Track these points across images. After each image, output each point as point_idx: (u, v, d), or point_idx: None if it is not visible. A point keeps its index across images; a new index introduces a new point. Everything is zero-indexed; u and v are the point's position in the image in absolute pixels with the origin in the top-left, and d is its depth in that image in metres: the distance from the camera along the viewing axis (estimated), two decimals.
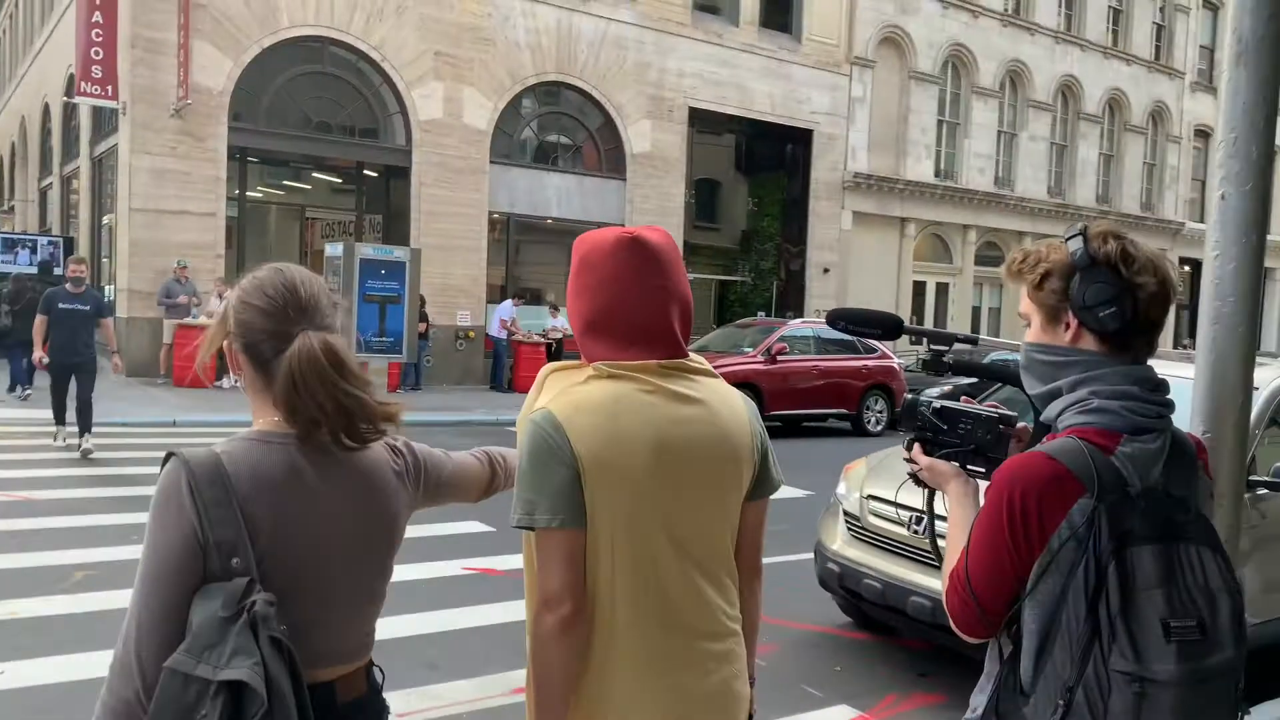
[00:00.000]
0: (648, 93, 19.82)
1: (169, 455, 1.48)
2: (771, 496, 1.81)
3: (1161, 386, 1.53)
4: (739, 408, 1.77)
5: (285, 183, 19.15)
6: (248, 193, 17.04)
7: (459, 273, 17.80)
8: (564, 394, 1.65)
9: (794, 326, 14.85)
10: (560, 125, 19.55)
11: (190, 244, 15.21)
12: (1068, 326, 1.55)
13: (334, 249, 13.43)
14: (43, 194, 23.93)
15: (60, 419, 9.19)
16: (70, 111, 20.08)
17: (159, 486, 1.45)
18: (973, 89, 25.42)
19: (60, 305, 8.71)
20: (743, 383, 13.40)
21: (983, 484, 1.61)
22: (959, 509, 1.66)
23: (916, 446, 1.78)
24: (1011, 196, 26.27)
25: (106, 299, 18.31)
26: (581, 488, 1.58)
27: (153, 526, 1.44)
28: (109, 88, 14.89)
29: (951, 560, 1.58)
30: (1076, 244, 1.53)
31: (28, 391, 12.73)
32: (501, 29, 17.99)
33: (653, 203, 20.11)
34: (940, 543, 1.76)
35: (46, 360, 8.82)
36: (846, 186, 23.15)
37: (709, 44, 20.59)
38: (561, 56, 18.76)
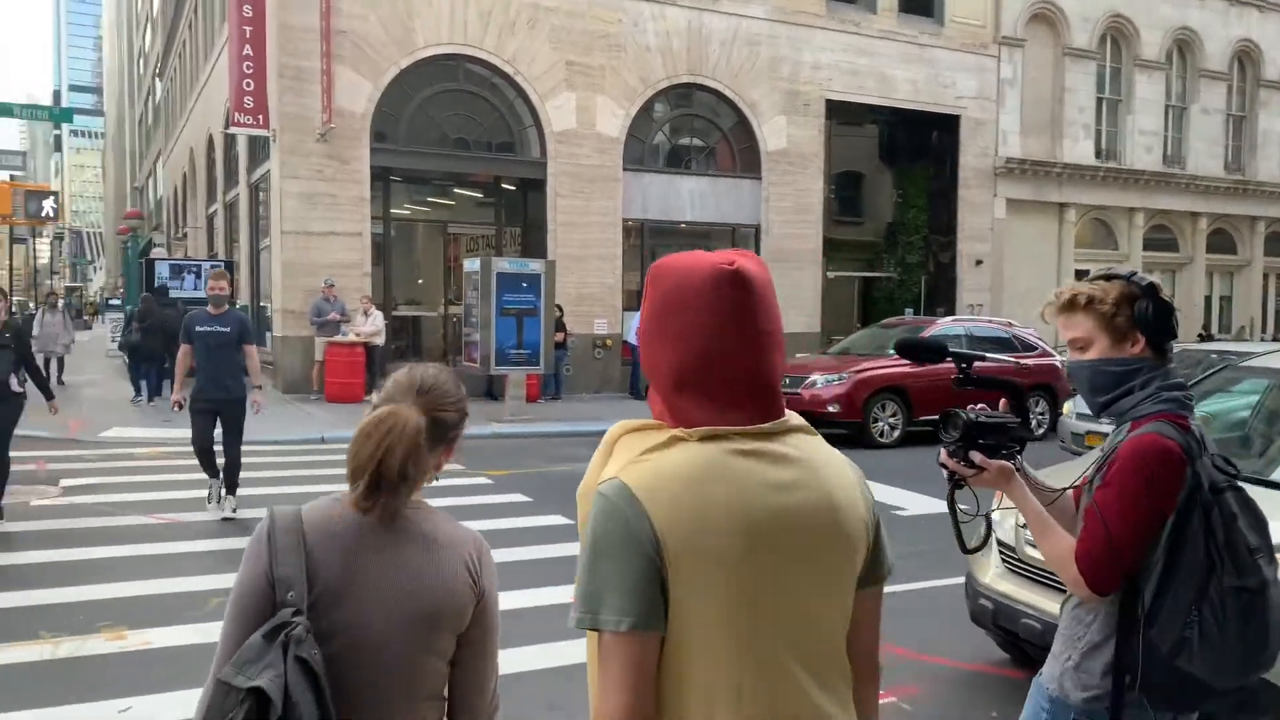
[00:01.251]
0: (782, 88, 19.32)
1: (270, 510, 1.74)
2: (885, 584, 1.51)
3: (1183, 386, 2.02)
4: (847, 474, 1.46)
5: (427, 199, 19.62)
6: (392, 211, 17.52)
7: (595, 281, 17.79)
8: (640, 460, 1.37)
9: (944, 324, 14.07)
10: (692, 127, 19.29)
11: (338, 263, 15.73)
12: (1134, 343, 2.00)
13: (471, 264, 13.58)
14: (209, 221, 25.42)
15: (212, 470, 7.55)
16: (230, 141, 21.21)
17: (253, 533, 1.70)
18: (1135, 61, 23.68)
19: (198, 328, 7.33)
20: (887, 387, 12.79)
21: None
22: (1033, 501, 2.06)
23: (978, 455, 2.01)
24: (1182, 175, 24.34)
25: (253, 319, 19.26)
26: (664, 579, 1.30)
27: (242, 565, 1.70)
28: (260, 117, 15.56)
29: (1064, 544, 1.98)
30: (1143, 279, 2.00)
31: (150, 402, 14.83)
32: (632, 34, 17.88)
33: (790, 200, 19.59)
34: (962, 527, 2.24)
35: (183, 403, 7.55)
36: (998, 173, 21.96)
37: (845, 34, 19.91)
38: (693, 57, 18.50)
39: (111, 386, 17.43)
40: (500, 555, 5.26)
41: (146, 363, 15.33)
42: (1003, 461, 2.02)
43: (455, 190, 19.42)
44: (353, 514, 1.69)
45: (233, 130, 16.18)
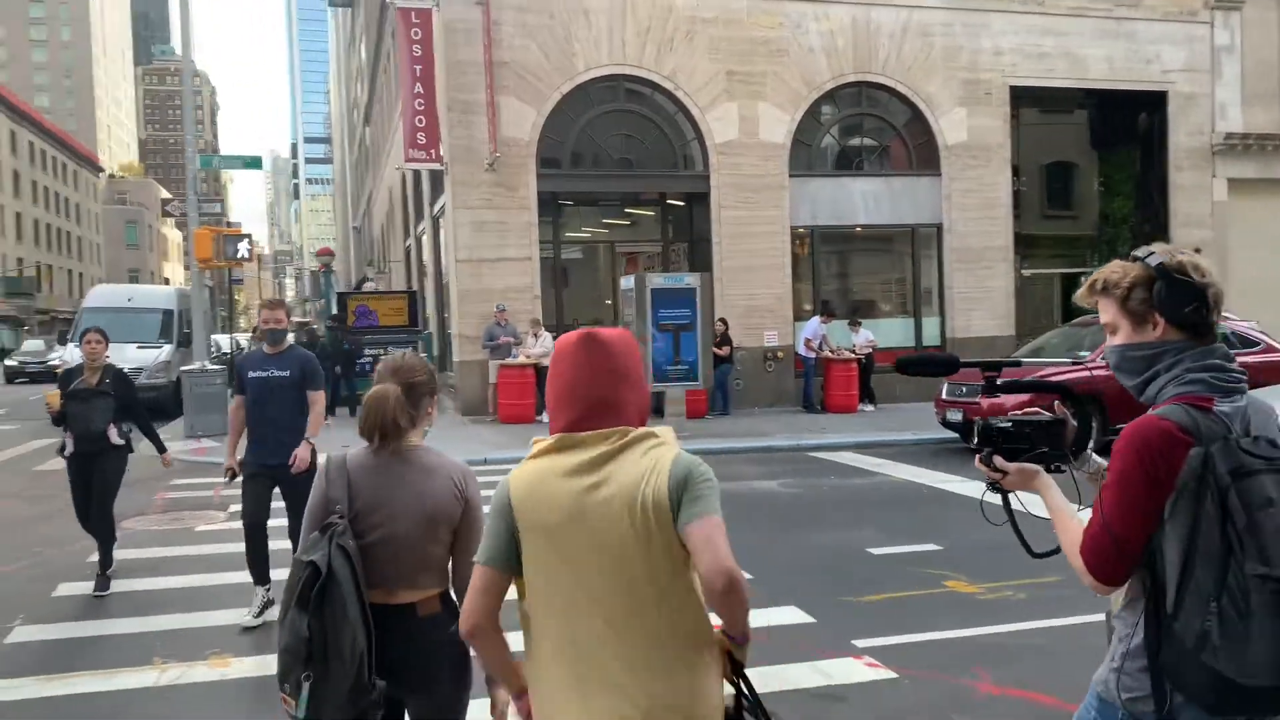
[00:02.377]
0: (960, 78, 18.23)
1: (326, 456, 2.71)
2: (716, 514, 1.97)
3: (1234, 359, 1.91)
4: (662, 464, 1.97)
5: (594, 220, 19.83)
6: (561, 234, 17.81)
7: (764, 292, 17.35)
8: (522, 464, 2.08)
9: None
10: (863, 127, 18.53)
11: (509, 288, 16.12)
12: (1155, 325, 1.92)
13: (626, 282, 13.54)
14: (406, 254, 26.87)
15: (259, 564, 5.85)
16: (418, 178, 22.32)
17: (317, 471, 2.67)
18: None
19: (251, 374, 5.83)
20: (1078, 394, 11.63)
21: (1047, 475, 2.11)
22: (1055, 496, 2.07)
23: (998, 459, 2.12)
24: None
25: (439, 346, 19.96)
26: (514, 536, 2.03)
27: (311, 492, 2.66)
28: (432, 151, 16.22)
29: (1075, 534, 1.94)
30: (1157, 260, 1.91)
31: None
32: (793, 37, 17.39)
33: (974, 196, 18.42)
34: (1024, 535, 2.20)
35: (234, 471, 6.00)
36: (1217, 151, 19.80)
37: (1028, 14, 18.56)
38: (860, 55, 17.77)
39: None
40: None
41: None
42: (1024, 464, 2.11)
43: (621, 209, 19.56)
44: (375, 456, 2.65)
45: (408, 166, 16.96)
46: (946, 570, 6.57)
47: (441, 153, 16.32)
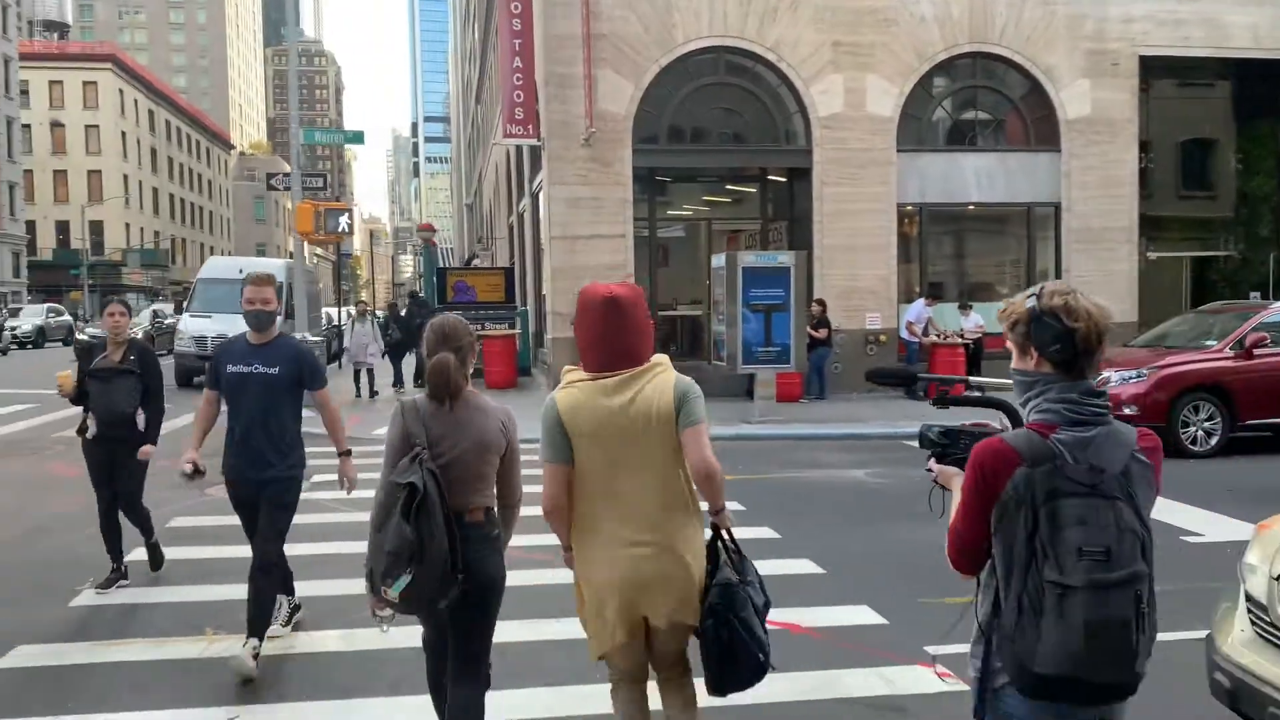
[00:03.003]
0: (1084, 48, 17.12)
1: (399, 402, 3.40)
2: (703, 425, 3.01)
3: (1099, 394, 2.13)
4: (666, 387, 3.02)
5: (691, 198, 19.47)
6: (658, 212, 17.53)
7: (867, 273, 16.72)
8: (563, 388, 3.10)
9: (1276, 310, 11.64)
10: (977, 100, 17.60)
11: (603, 265, 15.92)
12: (1032, 357, 2.18)
13: (717, 260, 13.17)
14: (509, 231, 27.06)
15: (256, 629, 4.63)
16: (520, 156, 22.37)
17: (392, 413, 3.34)
18: None
19: (229, 368, 4.82)
20: (1201, 385, 10.78)
21: None
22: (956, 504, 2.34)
23: (933, 460, 2.52)
24: None
25: (537, 325, 19.96)
26: (569, 441, 3.04)
27: (388, 430, 3.33)
28: (530, 126, 16.14)
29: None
30: (1031, 302, 2.16)
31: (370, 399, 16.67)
32: (904, 6, 16.61)
33: (1095, 174, 17.32)
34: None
35: (197, 468, 4.88)
36: None
37: None
38: (975, 24, 16.87)
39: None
40: None
41: (393, 351, 18.43)
42: (947, 466, 2.44)
43: (720, 186, 19.13)
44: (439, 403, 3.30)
45: (505, 141, 16.94)
46: None
47: (539, 128, 16.22)
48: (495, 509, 3.41)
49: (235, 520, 5.20)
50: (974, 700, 2.26)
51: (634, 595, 3.03)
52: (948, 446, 2.48)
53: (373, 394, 16.82)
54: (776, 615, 4.51)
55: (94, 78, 72.51)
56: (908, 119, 16.93)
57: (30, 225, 66.20)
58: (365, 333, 16.99)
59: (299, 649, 4.96)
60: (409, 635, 3.95)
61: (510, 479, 3.45)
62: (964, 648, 2.40)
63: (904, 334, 16.14)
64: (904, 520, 7.63)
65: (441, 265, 21.26)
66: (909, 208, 17.13)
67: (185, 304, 20.76)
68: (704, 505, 3.14)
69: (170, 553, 6.57)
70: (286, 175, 15.98)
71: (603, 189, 16.00)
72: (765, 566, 6.20)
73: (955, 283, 17.76)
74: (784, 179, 18.02)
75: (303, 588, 5.58)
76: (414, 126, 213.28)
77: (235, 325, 16.98)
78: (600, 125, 15.73)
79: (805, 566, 6.29)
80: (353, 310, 23.27)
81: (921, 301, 16.15)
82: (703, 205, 19.40)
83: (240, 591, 5.68)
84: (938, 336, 16.03)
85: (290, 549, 5.24)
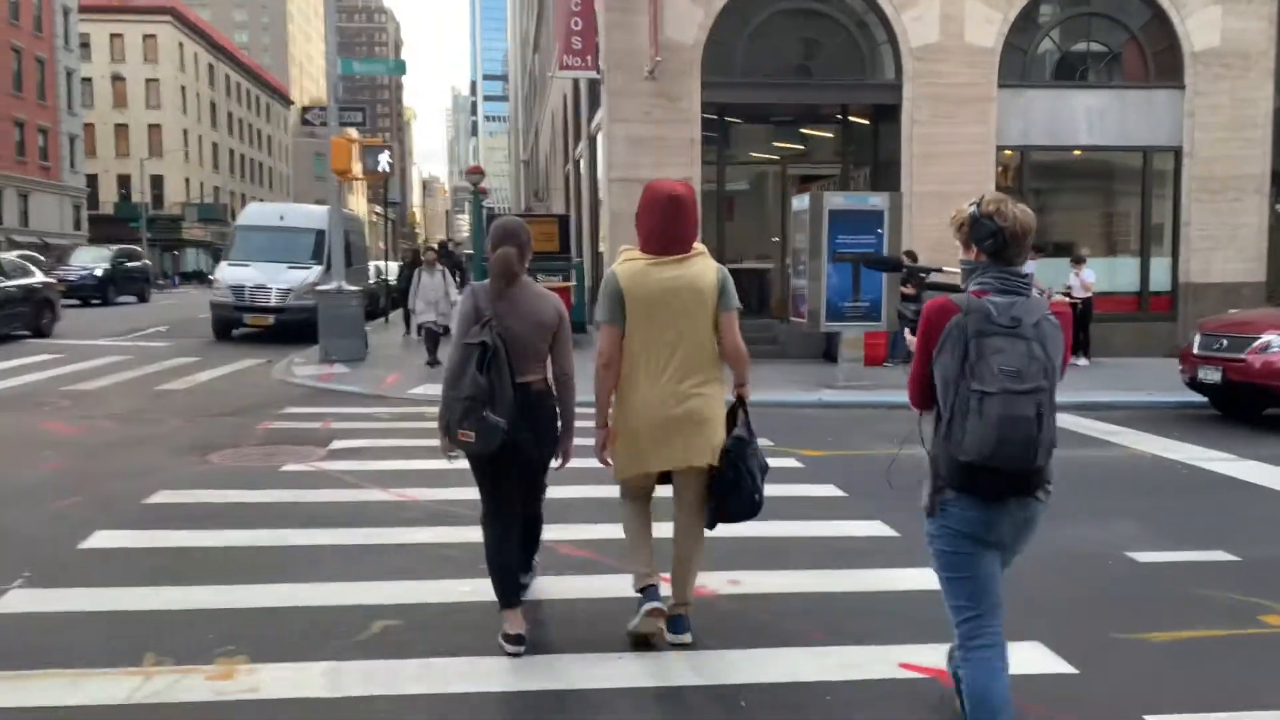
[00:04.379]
0: None
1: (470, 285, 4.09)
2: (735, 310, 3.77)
3: (1024, 276, 2.82)
4: (708, 269, 3.75)
5: (763, 142, 17.77)
6: (727, 155, 15.90)
7: None
8: (622, 263, 3.79)
9: None
10: (1090, 30, 15.62)
11: None
12: (973, 250, 2.87)
13: (799, 202, 11.58)
14: (565, 181, 25.58)
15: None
16: (577, 96, 20.84)
17: (462, 296, 4.00)
18: None
19: None
20: None
21: None
22: None
23: (908, 332, 3.81)
24: None
25: (590, 276, 18.58)
26: (624, 307, 3.72)
27: (459, 306, 3.89)
28: (588, 58, 14.63)
29: None
30: (972, 208, 2.87)
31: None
32: None
33: (1224, 114, 15.31)
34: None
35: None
36: None
37: None
38: None
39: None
40: (798, 579, 4.77)
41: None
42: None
43: (795, 129, 17.40)
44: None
45: (561, 74, 15.43)
46: (1259, 597, 4.55)
47: (598, 59, 14.69)
48: (550, 380, 3.94)
49: (235, 498, 3.93)
50: (923, 516, 2.95)
51: (669, 431, 3.71)
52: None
53: (435, 363, 13.06)
54: (924, 660, 3.79)
55: (154, 31, 72.27)
56: (1011, 51, 15.06)
57: (92, 179, 66.39)
58: (435, 286, 13.45)
59: (318, 693, 3.64)
60: None
61: (563, 355, 3.94)
62: (1198, 716, 2.94)
63: None
64: (1052, 516, 6.08)
65: (483, 206, 19.79)
66: (1009, 150, 15.30)
67: (224, 252, 19.68)
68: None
69: (135, 538, 5.31)
70: (323, 109, 14.67)
71: (668, 127, 14.45)
72: (891, 575, 4.79)
73: (1059, 236, 15.91)
74: (866, 121, 16.28)
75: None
76: (473, 85, 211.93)
77: (275, 274, 15.89)
78: (666, 56, 14.14)
79: (879, 528, 4.81)
80: (418, 257, 22.03)
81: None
82: (775, 151, 17.70)
83: (225, 599, 4.40)
84: (1041, 294, 14.28)
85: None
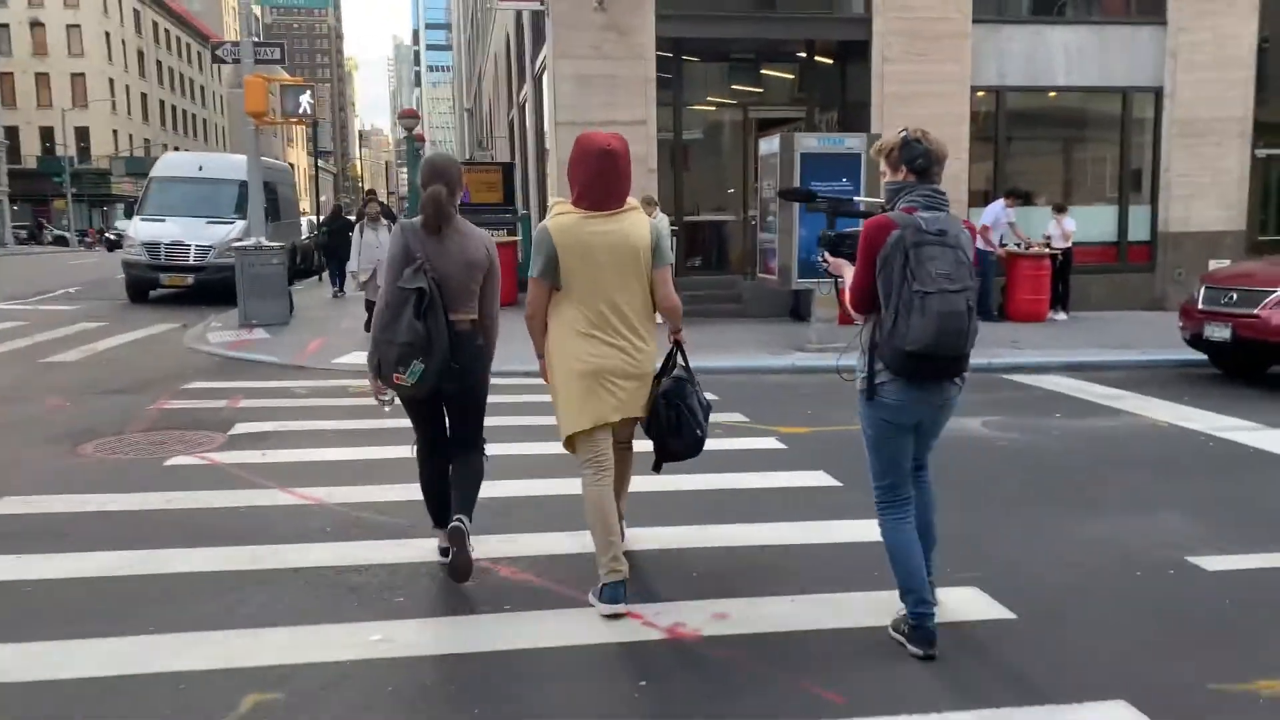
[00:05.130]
0: None
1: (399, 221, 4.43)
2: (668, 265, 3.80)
3: (942, 194, 3.28)
4: (642, 223, 3.74)
5: (721, 84, 16.56)
6: (684, 98, 14.70)
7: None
8: (554, 216, 3.72)
9: None
10: None
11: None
12: (901, 171, 3.30)
13: (768, 145, 10.50)
14: (509, 128, 24.16)
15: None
16: (521, 35, 19.44)
17: (393, 231, 3.95)
18: None
19: None
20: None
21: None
22: (848, 272, 3.44)
23: (826, 254, 3.65)
24: None
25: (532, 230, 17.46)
26: (557, 260, 3.66)
27: (390, 246, 3.86)
28: None
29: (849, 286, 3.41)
30: (903, 133, 3.31)
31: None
32: None
33: (1207, 52, 14.47)
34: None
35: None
36: None
37: None
38: None
39: None
40: (804, 611, 3.79)
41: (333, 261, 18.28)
42: (840, 259, 3.58)
43: (756, 68, 16.22)
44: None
45: (502, 5, 14.09)
46: None
47: None
48: (478, 319, 3.95)
49: (98, 506, 2.78)
50: (860, 399, 3.39)
51: (605, 385, 3.71)
52: (838, 245, 3.61)
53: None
54: None
55: None
56: None
57: (12, 132, 63.01)
58: (381, 243, 11.06)
59: None
60: None
61: (491, 295, 3.97)
62: None
63: (978, 243, 13.54)
64: (1078, 504, 5.18)
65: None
66: (983, 91, 14.33)
67: (137, 206, 18.10)
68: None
69: None
70: (235, 45, 13.19)
71: (620, 64, 13.24)
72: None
73: (1036, 182, 15.04)
74: (832, 61, 15.20)
75: None
76: (415, 34, 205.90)
77: (194, 230, 14.46)
78: None
79: (979, 605, 3.85)
80: (340, 212, 20.66)
81: (1000, 203, 13.47)
82: (734, 94, 16.52)
83: (19, 664, 3.28)
84: (1017, 245, 13.43)
85: None
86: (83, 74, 68.87)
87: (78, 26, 68.69)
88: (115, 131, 71.31)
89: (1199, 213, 14.89)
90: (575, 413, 3.71)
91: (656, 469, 4.01)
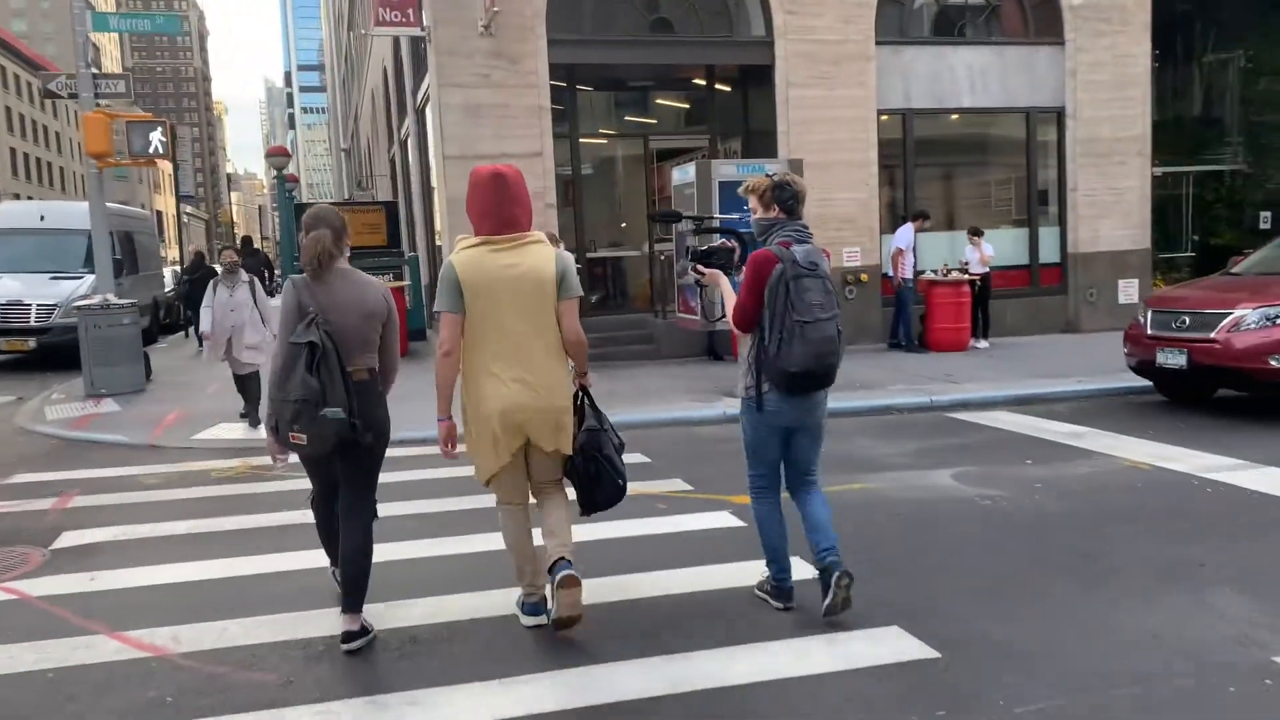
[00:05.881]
0: None
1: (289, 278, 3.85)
2: (575, 298, 3.83)
3: (808, 228, 3.92)
4: (546, 255, 3.76)
5: (614, 113, 15.74)
6: (578, 128, 13.77)
7: (843, 197, 13.43)
8: (458, 252, 3.73)
9: None
10: None
11: None
12: (772, 209, 3.91)
13: (682, 173, 9.68)
14: (391, 166, 22.83)
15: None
16: (399, 68, 18.25)
17: (283, 288, 3.80)
18: None
19: None
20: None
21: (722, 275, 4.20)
22: (726, 287, 4.09)
23: (698, 265, 4.19)
24: None
25: (423, 274, 16.09)
26: (463, 294, 3.68)
27: (281, 301, 3.78)
28: (409, 12, 12.19)
29: (732, 305, 3.94)
30: (775, 176, 3.94)
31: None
32: None
33: (1105, 72, 14.38)
34: (722, 310, 4.28)
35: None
36: None
37: None
38: None
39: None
40: None
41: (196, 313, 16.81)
42: (715, 270, 4.16)
43: (654, 93, 15.46)
44: (319, 278, 3.74)
45: (378, 31, 12.91)
46: None
47: (421, 13, 12.29)
48: (377, 369, 3.89)
49: None
50: (745, 405, 3.98)
51: (519, 421, 3.71)
52: (710, 257, 4.18)
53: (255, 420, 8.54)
54: None
55: None
56: (887, 4, 13.61)
57: None
58: (238, 304, 8.37)
59: None
60: None
61: (392, 344, 3.94)
62: None
63: (890, 270, 12.96)
64: (1115, 586, 4.30)
65: (298, 200, 17.01)
66: (889, 115, 13.86)
67: None
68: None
69: None
70: (71, 78, 11.67)
71: (511, 93, 12.24)
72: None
73: (943, 207, 14.65)
74: (729, 88, 14.56)
75: None
76: (287, 76, 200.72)
77: (36, 287, 12.73)
78: (505, 8, 11.91)
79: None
80: (202, 260, 19.02)
81: (909, 226, 12.94)
82: (630, 125, 15.70)
83: None
84: (935, 272, 12.91)
85: None
86: None
87: None
88: None
89: (1107, 232, 14.72)
90: (488, 454, 3.78)
91: (585, 514, 4.06)
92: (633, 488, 4.21)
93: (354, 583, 3.77)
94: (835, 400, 9.17)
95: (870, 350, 12.86)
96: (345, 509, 3.82)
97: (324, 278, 3.70)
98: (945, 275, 12.82)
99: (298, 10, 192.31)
